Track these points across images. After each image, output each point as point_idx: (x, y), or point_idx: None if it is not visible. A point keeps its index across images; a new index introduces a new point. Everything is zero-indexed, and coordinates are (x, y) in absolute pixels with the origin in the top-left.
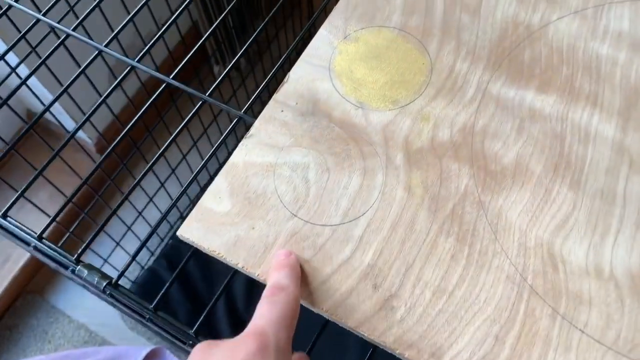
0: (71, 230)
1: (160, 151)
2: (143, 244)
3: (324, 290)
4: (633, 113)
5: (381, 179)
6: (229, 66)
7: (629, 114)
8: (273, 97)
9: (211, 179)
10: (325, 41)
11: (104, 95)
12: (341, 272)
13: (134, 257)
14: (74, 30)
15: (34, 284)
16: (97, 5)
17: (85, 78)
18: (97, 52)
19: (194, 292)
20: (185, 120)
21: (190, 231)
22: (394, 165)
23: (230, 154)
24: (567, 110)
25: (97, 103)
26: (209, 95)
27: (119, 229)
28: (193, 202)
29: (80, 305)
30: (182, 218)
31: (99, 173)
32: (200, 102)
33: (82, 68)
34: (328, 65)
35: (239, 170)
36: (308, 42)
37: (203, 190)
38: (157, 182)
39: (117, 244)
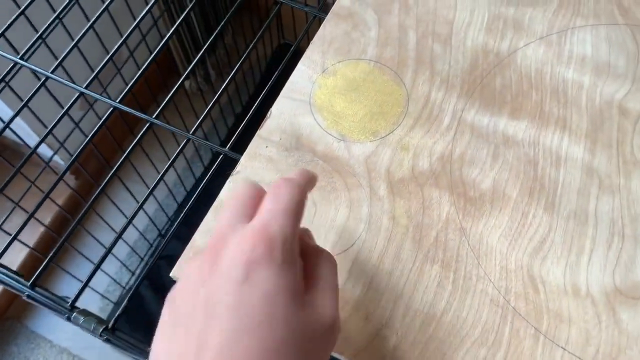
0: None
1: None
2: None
3: None
4: (599, 135)
5: (367, 210)
6: (210, 105)
7: (596, 135)
8: (257, 133)
9: (189, 194)
10: (304, 76)
11: (90, 136)
12: None
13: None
14: (53, 72)
15: (13, 309)
16: (75, 45)
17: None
18: (78, 93)
19: None
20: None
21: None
22: (378, 196)
23: (198, 179)
24: (539, 135)
25: (83, 144)
26: (192, 133)
27: (99, 251)
28: (171, 220)
29: (62, 329)
30: (162, 236)
31: (75, 197)
32: (185, 140)
33: (64, 110)
34: (308, 99)
35: None
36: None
37: (181, 206)
38: (134, 201)
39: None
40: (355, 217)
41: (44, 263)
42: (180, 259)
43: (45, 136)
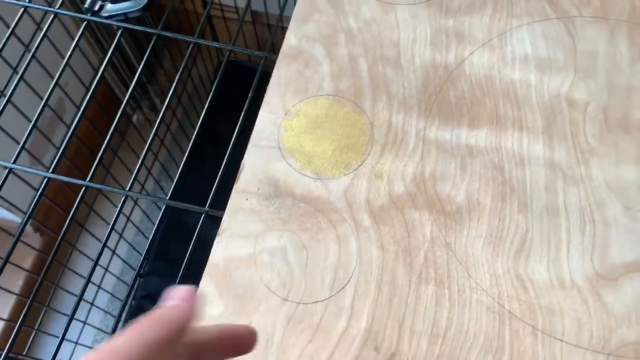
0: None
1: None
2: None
3: None
4: (554, 129)
5: (355, 243)
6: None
7: (551, 131)
8: (234, 187)
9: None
10: (267, 122)
11: (39, 191)
12: (342, 344)
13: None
14: None
15: None
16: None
17: None
18: (7, 169)
19: None
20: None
21: None
22: (363, 227)
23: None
24: (499, 140)
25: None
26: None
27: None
28: (145, 257)
29: None
30: (140, 276)
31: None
32: (124, 198)
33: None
34: (277, 144)
35: (221, 269)
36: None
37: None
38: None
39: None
40: (346, 252)
41: (14, 331)
42: None
43: None
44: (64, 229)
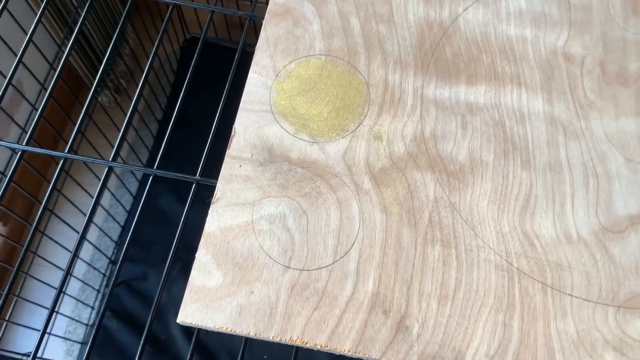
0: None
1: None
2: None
3: (340, 332)
4: (552, 84)
5: (357, 207)
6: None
7: (550, 86)
8: (227, 153)
9: (130, 213)
10: (258, 84)
11: (8, 177)
12: (350, 309)
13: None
14: None
15: None
16: None
17: None
18: None
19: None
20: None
21: (191, 315)
22: (364, 190)
23: (136, 195)
24: (498, 96)
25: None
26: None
27: (48, 294)
28: (117, 244)
29: None
30: (112, 262)
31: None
32: (107, 169)
33: None
34: (270, 108)
35: (218, 238)
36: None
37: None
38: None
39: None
40: (348, 217)
41: None
42: (183, 304)
43: None
44: (44, 202)
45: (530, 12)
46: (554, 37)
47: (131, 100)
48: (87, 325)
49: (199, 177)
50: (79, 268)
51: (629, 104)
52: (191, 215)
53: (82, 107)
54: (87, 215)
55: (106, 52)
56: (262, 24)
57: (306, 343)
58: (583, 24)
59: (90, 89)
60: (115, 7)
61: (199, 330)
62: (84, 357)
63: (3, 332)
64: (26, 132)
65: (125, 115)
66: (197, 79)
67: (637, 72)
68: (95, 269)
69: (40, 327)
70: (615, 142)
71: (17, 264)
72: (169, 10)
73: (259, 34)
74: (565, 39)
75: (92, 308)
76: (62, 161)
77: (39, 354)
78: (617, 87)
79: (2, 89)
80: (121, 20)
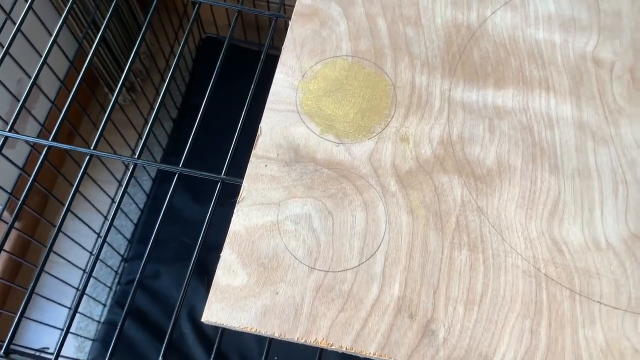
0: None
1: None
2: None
3: (365, 335)
4: (581, 89)
5: (383, 209)
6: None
7: (578, 91)
8: (252, 153)
9: (143, 212)
10: (284, 84)
11: (33, 176)
12: (376, 312)
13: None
14: None
15: None
16: None
17: None
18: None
19: (158, 329)
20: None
21: (215, 314)
22: (391, 193)
23: (149, 193)
24: (526, 100)
25: (28, 186)
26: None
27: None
28: (130, 241)
29: None
30: (125, 260)
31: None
32: (133, 166)
33: None
34: (296, 108)
35: (243, 237)
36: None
37: (136, 226)
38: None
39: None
40: (374, 219)
41: (15, 323)
42: (207, 303)
43: None
44: (68, 201)
45: (560, 16)
46: (583, 41)
47: (146, 98)
48: (98, 322)
49: (224, 176)
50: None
51: None
52: (205, 215)
53: (98, 103)
54: (110, 218)
55: (122, 48)
56: (284, 25)
57: (331, 345)
58: (613, 29)
59: (105, 86)
60: (133, 3)
61: (223, 330)
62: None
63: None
64: (46, 129)
65: (141, 113)
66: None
67: None
68: (108, 266)
69: (52, 322)
70: None
71: (40, 265)
72: (195, 9)
73: (280, 36)
74: (594, 44)
75: (104, 305)
76: (87, 157)
77: (50, 350)
78: None
79: (27, 89)
80: (144, 27)
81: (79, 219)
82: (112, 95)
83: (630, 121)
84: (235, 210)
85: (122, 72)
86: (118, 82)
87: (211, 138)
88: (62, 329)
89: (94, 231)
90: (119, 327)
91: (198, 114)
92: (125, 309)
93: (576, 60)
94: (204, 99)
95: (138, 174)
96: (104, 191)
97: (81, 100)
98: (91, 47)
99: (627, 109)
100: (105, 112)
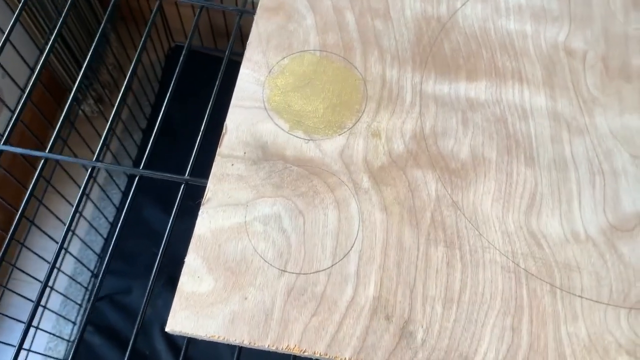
0: None
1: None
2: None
3: (340, 339)
4: (555, 80)
5: (356, 207)
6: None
7: (552, 81)
8: (218, 152)
9: (113, 225)
10: (250, 80)
11: None
12: (350, 314)
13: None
14: None
15: None
16: None
17: None
18: None
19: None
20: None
21: (180, 323)
22: (363, 189)
23: (119, 207)
24: (500, 92)
25: None
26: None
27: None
28: (99, 256)
29: None
30: (95, 276)
31: None
32: (90, 169)
33: None
34: (263, 104)
35: (208, 241)
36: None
37: (107, 240)
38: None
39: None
40: (347, 217)
41: None
42: (172, 311)
43: None
44: (21, 208)
45: (530, 7)
46: (554, 31)
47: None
48: (68, 341)
49: (188, 177)
50: (61, 282)
51: (632, 100)
52: (177, 227)
53: (66, 115)
54: (67, 223)
55: (91, 63)
56: (251, 26)
57: (304, 351)
58: (584, 18)
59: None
60: (102, 16)
61: (189, 340)
62: None
63: None
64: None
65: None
66: (182, 88)
67: None
68: (77, 282)
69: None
70: (620, 138)
71: (5, 283)
72: (156, 5)
73: (246, 40)
74: (566, 34)
75: (74, 323)
76: (42, 162)
77: None
78: (621, 82)
79: None
80: (103, 22)
81: (40, 229)
82: (79, 106)
83: (605, 110)
84: (199, 213)
85: (89, 82)
86: (85, 93)
87: (180, 145)
88: (15, 346)
89: (55, 241)
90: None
91: (168, 124)
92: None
93: (548, 51)
94: (174, 108)
95: (107, 187)
96: (65, 199)
97: (48, 113)
98: (55, 56)
99: (601, 98)
100: (72, 123)
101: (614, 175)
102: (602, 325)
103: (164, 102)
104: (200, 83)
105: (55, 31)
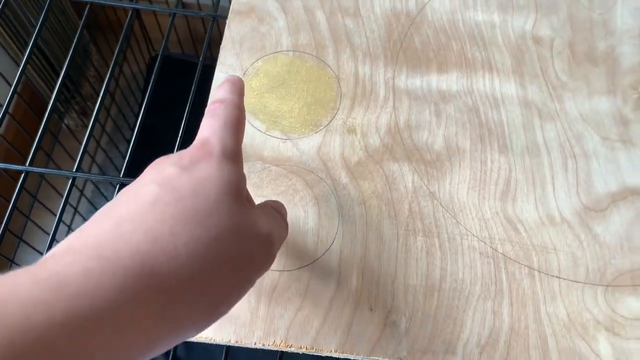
0: None
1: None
2: None
3: (326, 332)
4: (524, 68)
5: (335, 202)
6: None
7: (521, 69)
8: None
9: None
10: None
11: None
12: (334, 308)
13: None
14: None
15: None
16: None
17: None
18: None
19: None
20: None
21: None
22: (342, 185)
23: None
24: (471, 83)
25: None
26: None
27: None
28: None
29: None
30: None
31: None
32: (72, 180)
33: None
34: None
35: None
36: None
37: None
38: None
39: None
40: (327, 213)
41: None
42: None
43: None
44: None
45: None
46: (521, 20)
47: (99, 123)
48: None
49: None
50: None
51: (600, 83)
52: None
53: (48, 131)
54: (51, 233)
55: (72, 76)
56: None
57: (290, 346)
58: (549, 6)
59: (56, 114)
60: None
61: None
62: None
63: None
64: None
65: (93, 137)
66: (164, 96)
67: (605, 51)
68: None
69: None
70: (590, 122)
71: None
72: (129, 15)
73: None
74: (532, 22)
75: None
76: (22, 175)
77: None
78: (588, 66)
79: None
80: (79, 29)
81: (28, 244)
82: (62, 120)
83: (574, 95)
84: None
85: (71, 96)
86: (67, 106)
87: (164, 152)
88: None
89: (40, 253)
90: None
91: (152, 132)
92: None
93: (516, 40)
94: (157, 118)
95: (96, 199)
96: (52, 212)
97: (31, 130)
98: (37, 73)
99: (570, 83)
100: (55, 138)
101: (586, 157)
102: (580, 304)
103: (146, 112)
104: (181, 90)
105: (31, 42)
